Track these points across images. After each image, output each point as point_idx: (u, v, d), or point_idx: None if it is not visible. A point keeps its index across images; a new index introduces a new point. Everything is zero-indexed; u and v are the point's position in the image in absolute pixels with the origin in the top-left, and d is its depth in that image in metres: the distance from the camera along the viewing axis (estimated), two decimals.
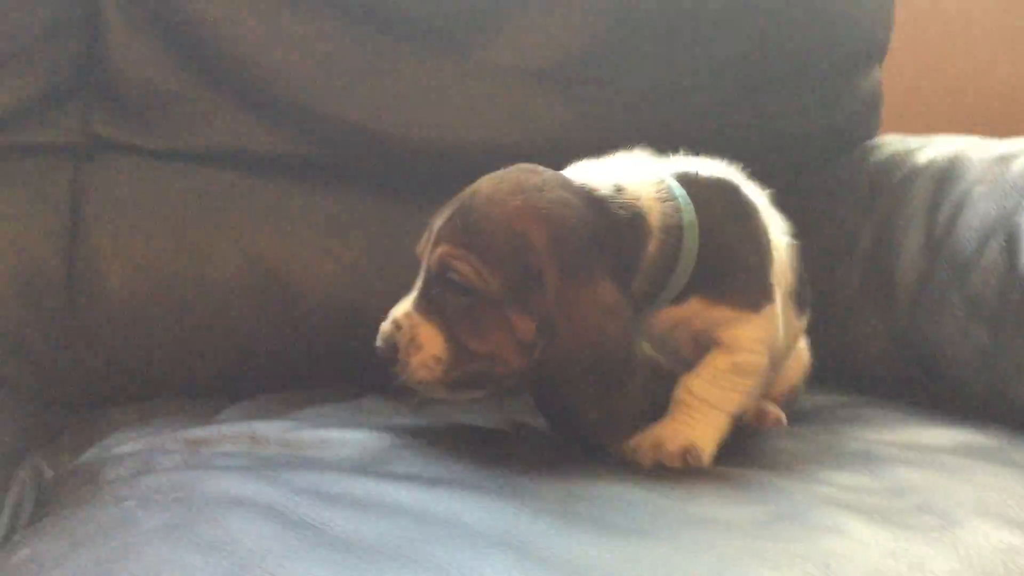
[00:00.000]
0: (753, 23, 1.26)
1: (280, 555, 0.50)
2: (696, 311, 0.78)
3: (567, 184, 0.75)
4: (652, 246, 0.75)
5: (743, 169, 0.88)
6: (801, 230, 1.30)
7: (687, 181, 0.79)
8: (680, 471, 0.72)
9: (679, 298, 0.77)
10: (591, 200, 0.74)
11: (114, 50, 1.11)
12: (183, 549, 0.51)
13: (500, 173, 0.77)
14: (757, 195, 0.84)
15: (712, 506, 0.60)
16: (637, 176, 0.77)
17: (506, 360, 0.73)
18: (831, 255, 1.21)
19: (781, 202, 1.04)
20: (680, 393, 0.78)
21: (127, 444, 0.75)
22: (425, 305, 0.74)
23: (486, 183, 0.76)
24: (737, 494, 0.64)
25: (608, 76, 1.23)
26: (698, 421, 0.77)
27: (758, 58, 1.28)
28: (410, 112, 1.18)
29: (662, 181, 0.77)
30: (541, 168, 0.78)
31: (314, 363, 1.11)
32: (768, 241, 0.81)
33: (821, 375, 1.12)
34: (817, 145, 1.34)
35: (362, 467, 0.67)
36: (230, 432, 0.76)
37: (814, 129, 1.33)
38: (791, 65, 1.29)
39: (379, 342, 0.75)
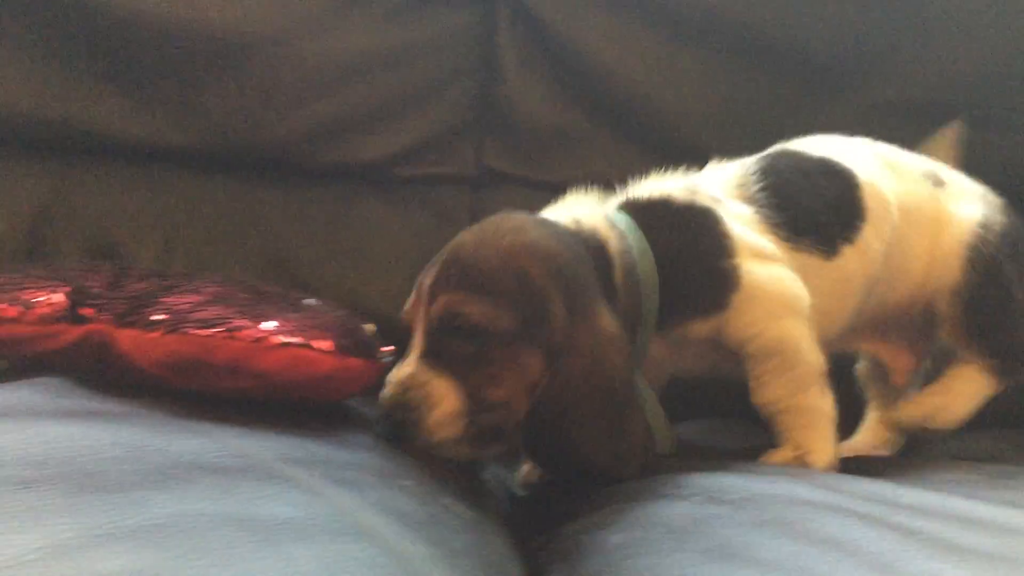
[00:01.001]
0: None
1: (910, 556, 0.48)
2: (684, 334, 0.76)
3: (541, 222, 0.75)
4: (618, 274, 0.74)
5: None
6: None
7: (628, 208, 0.79)
8: None
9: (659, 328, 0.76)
10: (566, 234, 0.74)
11: (509, 90, 1.19)
12: (798, 544, 0.50)
13: (478, 225, 0.76)
14: (693, 191, 0.80)
15: None
16: (585, 210, 0.78)
17: (516, 406, 0.69)
18: None
19: None
20: (762, 411, 0.77)
21: None
22: (431, 361, 0.69)
23: (466, 236, 0.74)
24: None
25: (995, 111, 1.18)
26: (797, 428, 0.75)
27: None
28: None
29: (605, 212, 0.78)
30: (511, 213, 0.76)
31: None
32: (712, 227, 0.77)
33: None
34: None
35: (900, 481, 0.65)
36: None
37: None
38: None
39: (384, 408, 0.69)
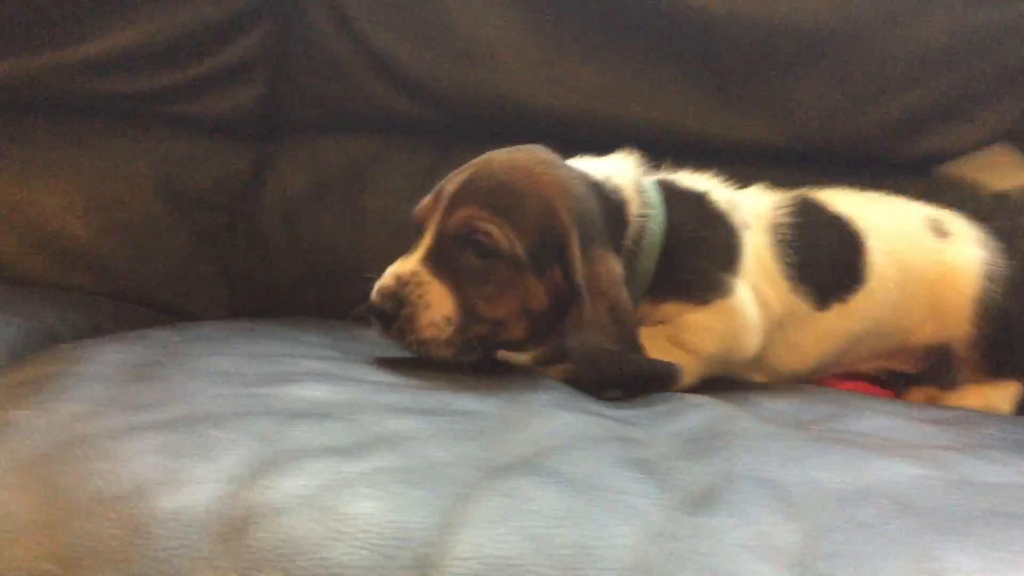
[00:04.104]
0: None
1: None
2: (648, 312, 0.80)
3: (569, 165, 0.79)
4: (629, 236, 0.78)
5: None
6: None
7: (664, 185, 0.83)
8: None
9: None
10: (590, 183, 0.77)
11: None
12: None
13: (508, 149, 0.78)
14: (734, 205, 0.85)
15: None
16: (620, 170, 0.81)
17: (510, 326, 0.73)
18: None
19: None
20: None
21: None
22: (434, 265, 0.72)
23: (499, 154, 0.77)
24: None
25: None
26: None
27: None
28: None
29: (639, 179, 0.81)
30: (545, 148, 0.79)
31: None
32: (732, 242, 0.82)
33: None
34: None
35: None
36: None
37: None
38: None
39: (377, 298, 0.71)
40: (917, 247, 0.91)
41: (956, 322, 0.89)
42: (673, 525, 0.43)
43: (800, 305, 0.85)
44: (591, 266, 0.72)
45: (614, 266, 0.73)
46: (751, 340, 0.80)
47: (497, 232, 0.71)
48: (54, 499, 0.43)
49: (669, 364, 0.75)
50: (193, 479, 0.45)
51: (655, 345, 0.77)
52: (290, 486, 0.45)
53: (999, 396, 0.90)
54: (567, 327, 0.71)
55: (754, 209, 0.88)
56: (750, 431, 0.57)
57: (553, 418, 0.57)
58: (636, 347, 0.73)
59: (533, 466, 0.49)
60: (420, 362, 0.71)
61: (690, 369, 0.78)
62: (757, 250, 0.84)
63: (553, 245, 0.72)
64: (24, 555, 0.41)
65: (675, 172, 0.89)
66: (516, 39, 1.16)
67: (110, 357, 0.64)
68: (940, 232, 0.93)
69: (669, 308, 0.80)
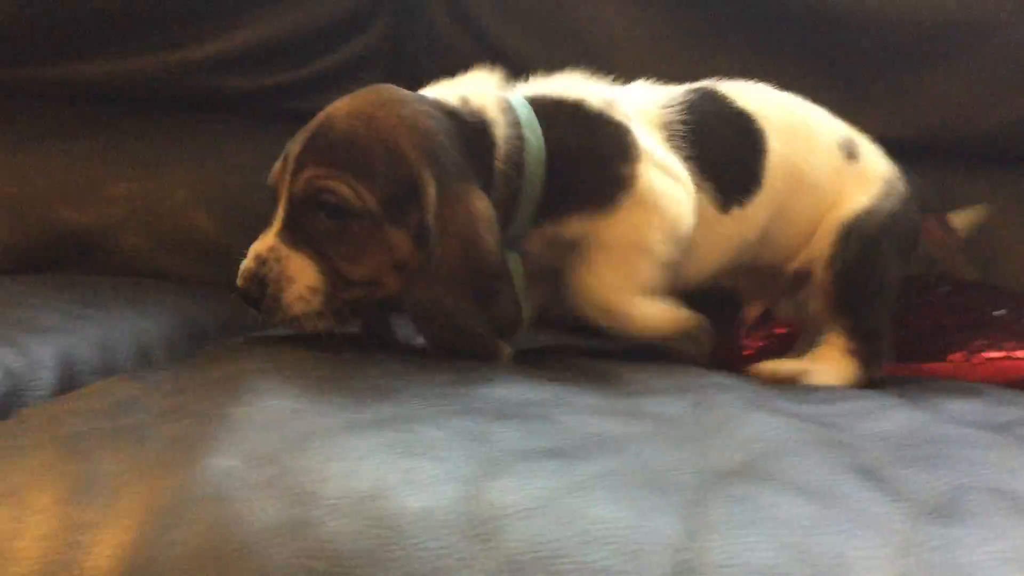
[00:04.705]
0: None
1: None
2: (552, 234, 0.75)
3: (418, 97, 0.73)
4: (499, 159, 0.72)
5: None
6: None
7: (533, 100, 0.76)
8: None
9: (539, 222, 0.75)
10: (446, 111, 0.72)
11: None
12: None
13: (352, 94, 0.73)
14: (610, 103, 0.77)
15: None
16: (479, 90, 0.75)
17: (383, 284, 0.70)
18: None
19: None
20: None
21: None
22: (290, 236, 0.69)
23: (341, 103, 0.71)
24: None
25: None
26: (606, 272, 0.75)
27: None
28: None
29: (503, 96, 0.75)
30: (386, 85, 0.74)
31: None
32: (619, 134, 0.75)
33: None
34: None
35: None
36: None
37: None
38: None
39: (241, 282, 0.69)
40: (819, 158, 0.83)
41: (825, 240, 0.82)
42: (922, 536, 0.43)
43: (704, 205, 0.78)
44: (446, 205, 0.67)
45: (477, 203, 0.68)
46: (682, 209, 0.75)
47: (343, 189, 0.67)
48: (302, 497, 0.44)
49: (496, 343, 0.69)
50: (430, 479, 0.45)
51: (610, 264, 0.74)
52: (528, 487, 0.44)
53: (826, 369, 0.81)
54: (412, 277, 0.68)
55: (639, 106, 0.80)
56: (956, 436, 0.56)
57: (751, 420, 0.56)
58: (493, 298, 0.69)
59: (756, 471, 0.48)
60: (570, 359, 0.72)
61: (648, 273, 0.74)
62: (651, 146, 0.76)
63: (408, 189, 0.68)
64: (289, 555, 0.41)
65: (545, 80, 0.81)
66: (638, 34, 1.15)
67: (297, 352, 0.64)
68: (850, 154, 0.85)
69: (575, 224, 0.74)
